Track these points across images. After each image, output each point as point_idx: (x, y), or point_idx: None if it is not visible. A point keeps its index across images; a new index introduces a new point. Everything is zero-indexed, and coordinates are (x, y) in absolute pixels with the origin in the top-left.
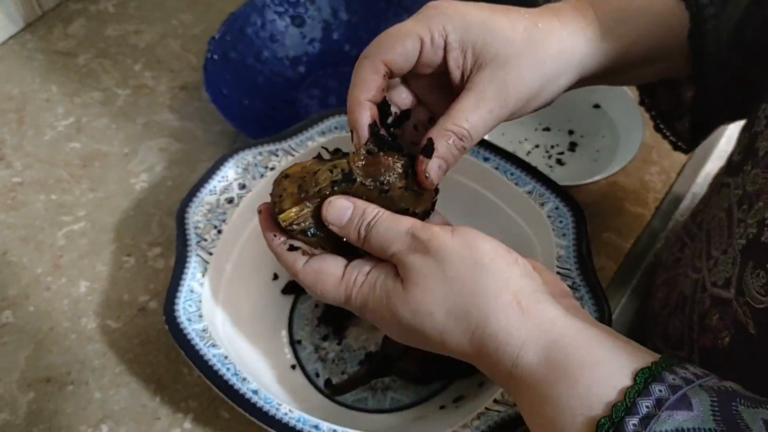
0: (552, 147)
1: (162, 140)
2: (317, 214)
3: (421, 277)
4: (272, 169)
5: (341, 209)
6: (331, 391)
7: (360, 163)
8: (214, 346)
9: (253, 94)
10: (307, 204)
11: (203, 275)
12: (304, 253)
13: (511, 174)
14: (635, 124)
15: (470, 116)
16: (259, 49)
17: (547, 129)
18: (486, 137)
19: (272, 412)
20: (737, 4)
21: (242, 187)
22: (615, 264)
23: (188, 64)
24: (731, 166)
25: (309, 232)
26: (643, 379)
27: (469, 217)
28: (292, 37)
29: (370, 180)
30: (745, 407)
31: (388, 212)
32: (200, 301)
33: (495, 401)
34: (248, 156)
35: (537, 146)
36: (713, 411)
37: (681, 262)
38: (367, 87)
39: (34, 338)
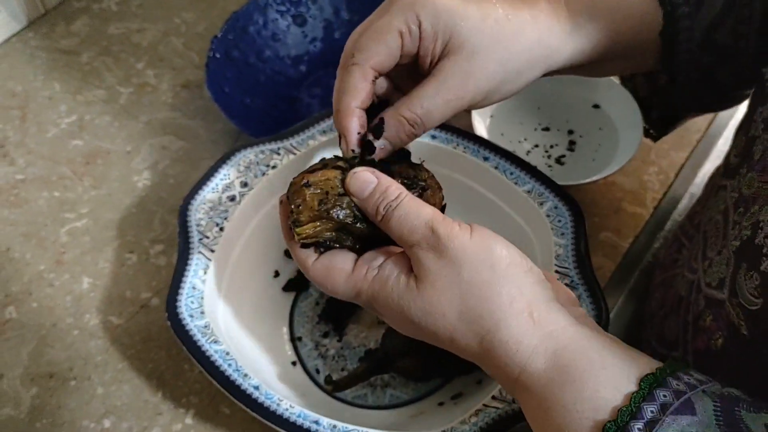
0: (551, 147)
1: (164, 138)
2: (334, 229)
3: (437, 279)
4: (274, 167)
5: (364, 182)
6: (332, 388)
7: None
8: (215, 342)
9: (255, 93)
10: (325, 221)
11: (205, 272)
12: (315, 250)
13: (511, 173)
14: (634, 125)
15: (426, 103)
16: (261, 48)
17: (547, 129)
18: (485, 136)
19: (273, 407)
20: (711, 7)
21: (244, 185)
22: (613, 263)
23: (191, 62)
24: (728, 169)
25: (322, 247)
26: (648, 385)
27: (469, 215)
28: (293, 37)
29: None
30: (747, 412)
31: (410, 195)
32: (202, 298)
33: (493, 398)
34: (250, 154)
35: (536, 146)
36: (716, 415)
37: (678, 263)
38: (357, 94)
39: (37, 334)
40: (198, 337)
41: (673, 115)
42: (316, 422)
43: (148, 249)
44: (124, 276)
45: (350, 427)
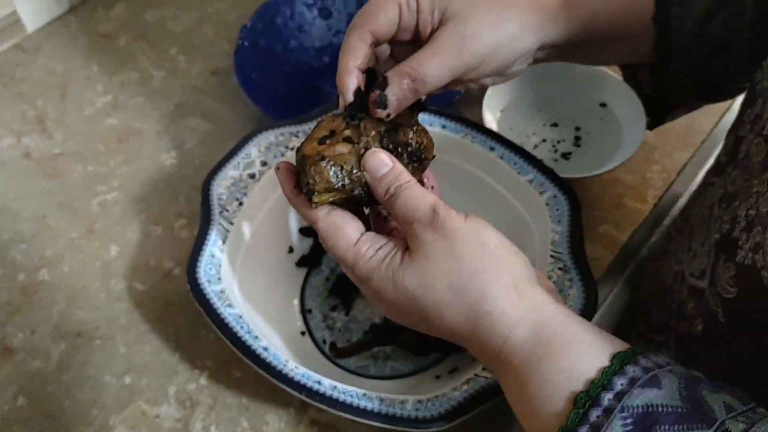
0: (558, 142)
1: (193, 120)
2: (345, 198)
3: (431, 251)
4: (292, 149)
5: (380, 163)
6: (335, 354)
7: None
8: (230, 306)
9: (280, 81)
10: (338, 192)
11: (223, 242)
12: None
13: (515, 163)
14: (638, 123)
15: (424, 63)
16: (287, 39)
17: (555, 125)
18: (495, 129)
19: (280, 367)
20: None
21: (264, 164)
22: (611, 255)
23: (221, 49)
24: (718, 167)
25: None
26: (620, 361)
27: (473, 202)
28: (318, 29)
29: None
30: (708, 391)
31: (418, 184)
32: (220, 266)
33: (483, 368)
34: (271, 136)
35: (544, 140)
36: (680, 391)
37: (667, 254)
38: (355, 54)
39: (68, 295)
40: (214, 300)
41: (668, 105)
42: (318, 382)
43: (173, 222)
44: (149, 246)
45: (350, 387)
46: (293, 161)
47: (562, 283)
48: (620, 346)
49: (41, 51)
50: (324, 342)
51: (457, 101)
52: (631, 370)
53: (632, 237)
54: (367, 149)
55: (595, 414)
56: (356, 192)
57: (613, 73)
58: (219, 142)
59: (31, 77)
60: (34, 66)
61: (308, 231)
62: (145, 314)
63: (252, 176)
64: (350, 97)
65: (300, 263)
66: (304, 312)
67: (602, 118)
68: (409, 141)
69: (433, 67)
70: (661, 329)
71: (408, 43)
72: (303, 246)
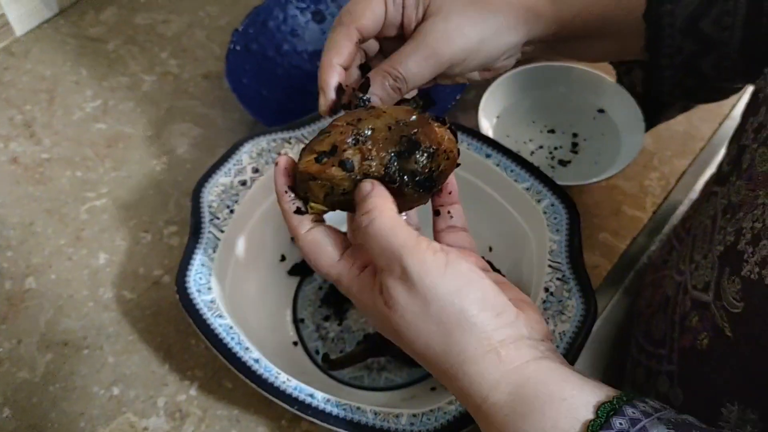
0: (555, 148)
1: (183, 125)
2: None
3: (405, 313)
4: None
5: (360, 192)
6: (329, 365)
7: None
8: (220, 316)
9: (272, 85)
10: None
11: (214, 251)
12: (314, 219)
13: (511, 171)
14: (637, 130)
15: (405, 60)
16: (279, 43)
17: (552, 131)
18: (491, 136)
19: (271, 380)
20: None
21: (255, 171)
22: (609, 263)
23: (212, 53)
24: (720, 176)
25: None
26: (605, 413)
27: (470, 211)
28: (311, 32)
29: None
30: None
31: (390, 214)
32: (210, 275)
33: None
34: (263, 142)
35: (541, 147)
36: None
37: (668, 264)
38: (339, 51)
39: (55, 304)
40: (204, 310)
41: (660, 104)
42: (311, 395)
43: (162, 229)
44: (138, 254)
45: (343, 401)
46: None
47: (561, 293)
48: (606, 394)
49: (30, 55)
50: (317, 352)
51: (453, 107)
52: (618, 423)
53: (631, 245)
54: (366, 175)
55: None
56: (348, 208)
57: (610, 79)
58: (210, 147)
59: (20, 81)
60: (23, 70)
61: None
62: (134, 323)
63: (243, 183)
64: (331, 93)
65: (292, 272)
66: (297, 322)
67: (600, 124)
68: (419, 169)
69: (414, 64)
70: (662, 342)
71: (395, 38)
72: (295, 254)
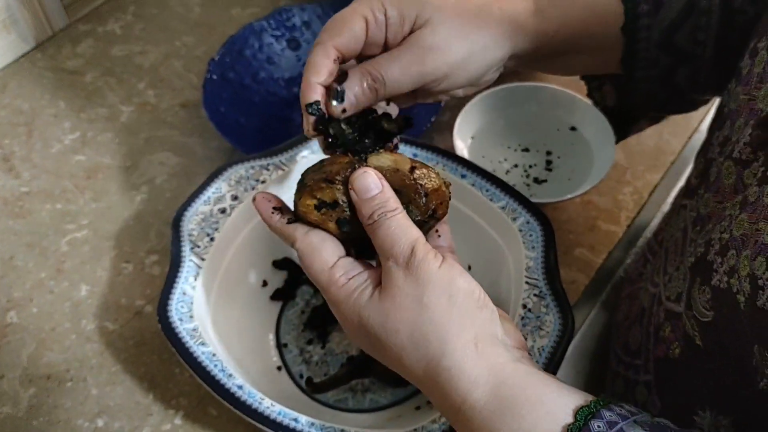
0: (530, 167)
1: (162, 155)
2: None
3: (398, 294)
4: (263, 182)
5: (369, 184)
6: (312, 389)
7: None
8: (203, 344)
9: (249, 113)
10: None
11: (195, 279)
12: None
13: (487, 190)
14: (608, 146)
15: (389, 64)
16: (256, 70)
17: (526, 150)
18: (466, 156)
19: (255, 405)
20: (670, 9)
21: (234, 198)
22: (587, 278)
23: (189, 83)
24: (689, 189)
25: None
26: (583, 417)
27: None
28: (287, 60)
29: None
30: None
31: (404, 213)
32: (192, 303)
33: None
34: (241, 170)
35: (516, 166)
36: None
37: (643, 277)
38: (318, 71)
39: (37, 337)
40: (186, 339)
41: (632, 116)
42: (296, 420)
43: (144, 259)
44: (120, 284)
45: (327, 424)
46: (265, 194)
47: (538, 309)
48: (584, 399)
49: (7, 89)
50: (301, 376)
51: (428, 129)
52: (596, 425)
53: (607, 259)
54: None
55: None
56: (338, 224)
57: (582, 97)
58: (189, 176)
59: None
60: (0, 105)
61: (282, 264)
62: (117, 354)
63: (223, 211)
64: (306, 103)
65: (274, 297)
66: (280, 346)
67: (572, 141)
68: (415, 215)
69: (395, 70)
70: (638, 352)
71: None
72: (277, 279)
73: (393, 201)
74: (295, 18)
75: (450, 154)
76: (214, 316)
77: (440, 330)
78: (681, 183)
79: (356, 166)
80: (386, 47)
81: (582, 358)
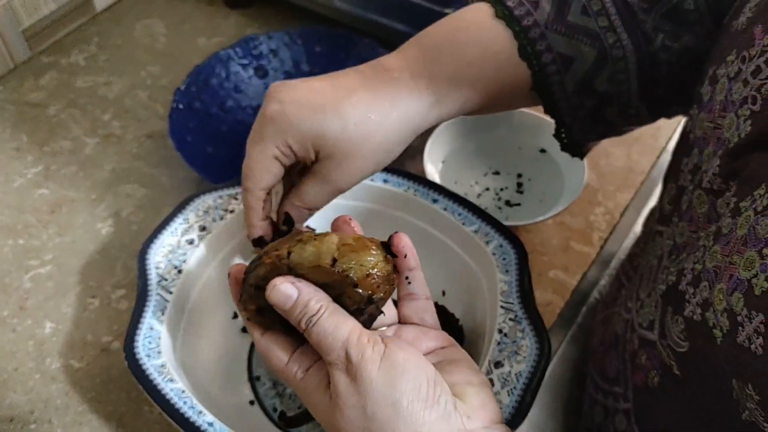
0: (501, 190)
1: (128, 186)
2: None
3: (345, 406)
4: (231, 211)
5: (285, 294)
6: (286, 423)
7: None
8: (171, 380)
9: (217, 142)
10: None
11: (163, 313)
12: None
13: (459, 214)
14: (578, 168)
15: (311, 197)
16: (223, 99)
17: (497, 173)
18: (438, 181)
19: None
20: (582, 64)
21: (203, 229)
22: (562, 300)
23: (155, 113)
24: (663, 215)
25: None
26: None
27: (422, 256)
28: (255, 88)
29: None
30: None
31: (330, 309)
32: (159, 338)
33: None
34: (209, 199)
35: (487, 189)
36: None
37: (617, 302)
38: (256, 213)
39: None
40: (154, 375)
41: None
42: None
43: (110, 294)
44: (85, 320)
45: None
46: (233, 229)
47: (514, 334)
48: None
49: None
50: (274, 410)
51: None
52: None
53: (582, 281)
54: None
55: None
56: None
57: (549, 120)
58: (156, 207)
59: None
60: None
61: None
62: (83, 393)
63: (190, 242)
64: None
65: (246, 329)
66: (252, 380)
67: (543, 163)
68: (352, 307)
69: (318, 198)
70: (617, 380)
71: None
72: None
73: (314, 302)
74: (263, 46)
75: (421, 179)
76: (183, 351)
77: None
78: (651, 203)
79: (278, 264)
80: (296, 165)
81: (559, 383)
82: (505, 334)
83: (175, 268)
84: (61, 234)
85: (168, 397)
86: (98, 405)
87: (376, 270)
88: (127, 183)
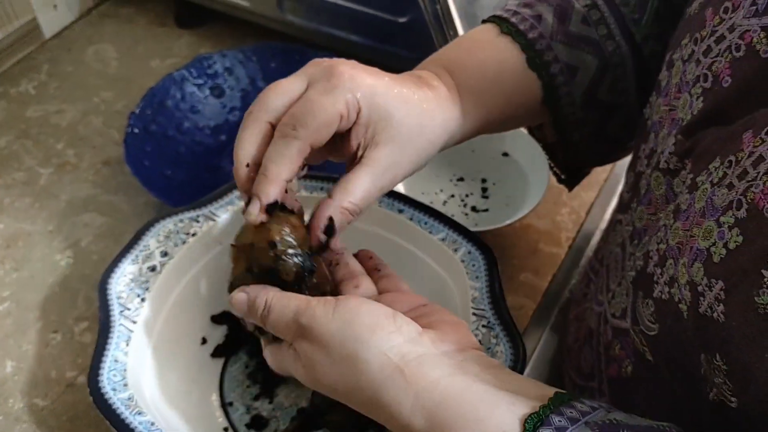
0: (467, 195)
1: (86, 216)
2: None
3: (314, 365)
4: (194, 235)
5: (239, 301)
6: None
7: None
8: (140, 413)
9: (176, 164)
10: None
11: (127, 344)
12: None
13: (425, 223)
14: (541, 169)
15: (363, 194)
16: (179, 121)
17: (461, 179)
18: (402, 191)
19: None
20: (586, 71)
21: (164, 254)
22: (534, 302)
23: (111, 139)
24: (621, 204)
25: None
26: (532, 425)
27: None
28: (212, 107)
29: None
30: None
31: (276, 296)
32: (125, 371)
33: None
34: (169, 224)
35: (452, 196)
36: None
37: (587, 297)
38: (290, 168)
39: None
40: (121, 410)
41: (573, 168)
42: None
43: (73, 327)
44: (48, 356)
45: None
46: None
47: (488, 340)
48: (533, 402)
49: None
50: None
51: None
52: None
53: (552, 282)
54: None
55: None
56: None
57: None
58: (116, 235)
59: None
60: None
61: (221, 318)
62: None
63: (153, 269)
64: (267, 202)
65: (215, 354)
66: (225, 406)
67: (506, 167)
68: (288, 277)
69: (371, 196)
70: (592, 375)
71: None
72: (217, 335)
73: (259, 299)
74: (217, 65)
75: None
76: (152, 382)
77: (364, 375)
78: (615, 199)
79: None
80: (335, 142)
81: None
82: (480, 341)
83: (138, 296)
84: (18, 269)
85: (137, 430)
86: None
87: (288, 229)
88: (85, 212)
